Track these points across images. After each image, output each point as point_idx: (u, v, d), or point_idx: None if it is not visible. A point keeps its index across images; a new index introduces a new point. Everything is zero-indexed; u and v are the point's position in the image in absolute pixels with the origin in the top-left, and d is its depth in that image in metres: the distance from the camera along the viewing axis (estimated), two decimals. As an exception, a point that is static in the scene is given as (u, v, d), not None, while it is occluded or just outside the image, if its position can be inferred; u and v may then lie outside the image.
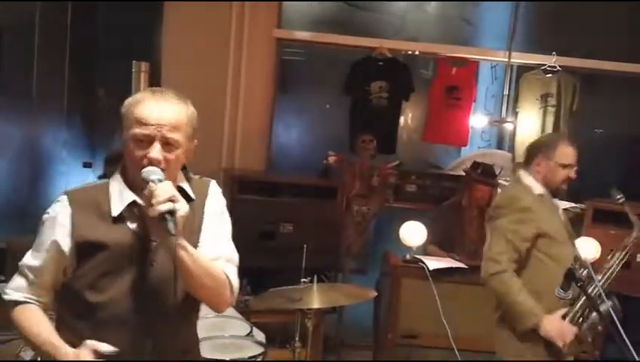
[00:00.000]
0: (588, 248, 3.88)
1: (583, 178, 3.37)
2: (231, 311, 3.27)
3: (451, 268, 3.71)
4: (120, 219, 1.61)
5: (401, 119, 4.81)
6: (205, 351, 2.33)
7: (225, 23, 4.44)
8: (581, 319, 2.57)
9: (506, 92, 4.61)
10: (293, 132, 5.36)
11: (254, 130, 4.56)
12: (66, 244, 1.60)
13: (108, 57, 4.63)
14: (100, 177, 1.96)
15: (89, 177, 4.10)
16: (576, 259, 2.66)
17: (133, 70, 3.41)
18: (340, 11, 5.17)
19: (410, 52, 4.75)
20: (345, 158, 4.47)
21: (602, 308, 2.33)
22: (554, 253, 2.63)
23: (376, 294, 3.02)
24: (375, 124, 4.56)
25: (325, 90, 5.10)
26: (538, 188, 2.70)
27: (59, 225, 1.61)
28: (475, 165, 4.05)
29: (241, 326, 3.00)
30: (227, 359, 2.58)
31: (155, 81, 3.60)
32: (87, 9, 4.59)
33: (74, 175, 4.48)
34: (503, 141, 5.31)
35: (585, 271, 2.45)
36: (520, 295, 2.58)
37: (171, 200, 1.49)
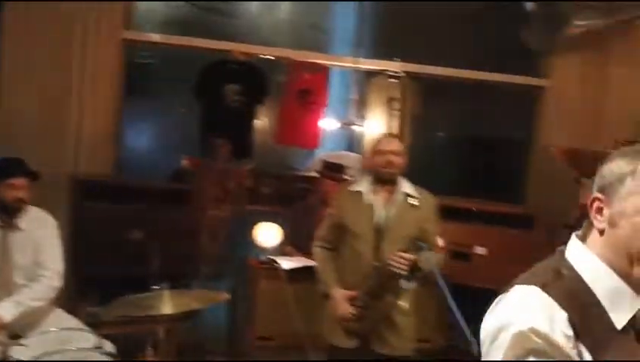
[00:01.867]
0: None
1: (427, 177, 3.62)
2: (74, 322, 3.09)
3: (306, 266, 3.77)
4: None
5: (257, 122, 4.83)
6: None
7: (69, 25, 4.22)
8: (368, 301, 2.92)
9: (354, 96, 4.80)
10: (145, 136, 5.18)
11: (101, 134, 4.34)
12: None
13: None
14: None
15: None
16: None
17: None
18: (193, 14, 5.09)
19: (264, 56, 4.79)
20: (199, 162, 4.39)
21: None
22: (354, 243, 2.99)
23: (228, 296, 3.04)
24: (230, 128, 4.54)
25: (180, 93, 4.99)
26: (357, 185, 3.09)
27: None
28: (325, 163, 4.19)
29: (88, 339, 2.85)
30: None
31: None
32: None
33: None
34: (353, 143, 5.53)
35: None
36: (320, 265, 3.12)
37: None
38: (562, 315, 1.07)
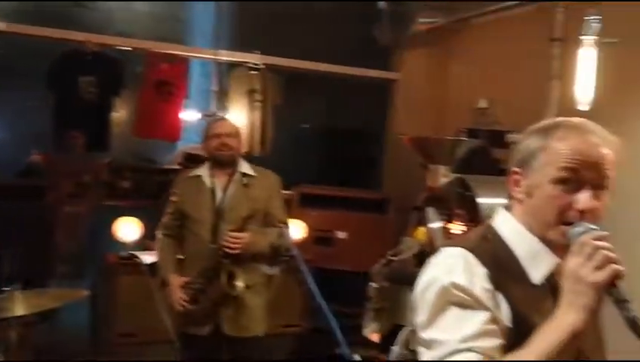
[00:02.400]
0: (296, 229, 4.28)
1: (291, 166, 3.74)
2: None
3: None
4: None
5: (114, 115, 4.68)
6: None
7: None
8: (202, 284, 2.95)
9: (215, 88, 4.80)
10: (-5, 130, 4.81)
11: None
12: None
13: None
14: None
15: None
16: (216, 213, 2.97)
17: None
18: (48, 4, 4.79)
19: (120, 47, 4.65)
20: (51, 157, 4.18)
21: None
22: (194, 227, 3.01)
23: (86, 293, 2.93)
24: (84, 120, 4.37)
25: (29, 85, 4.68)
26: (196, 170, 3.11)
27: None
28: (186, 155, 4.17)
29: None
30: None
31: None
32: None
33: None
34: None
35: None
36: (159, 252, 3.13)
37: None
38: (482, 271, 1.19)
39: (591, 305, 1.07)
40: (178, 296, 2.95)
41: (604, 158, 1.23)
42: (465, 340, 1.12)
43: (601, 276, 1.06)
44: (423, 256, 2.93)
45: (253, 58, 4.82)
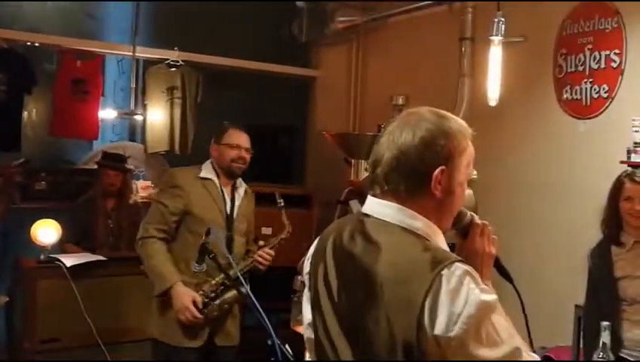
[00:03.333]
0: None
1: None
2: None
3: (90, 262, 3.65)
4: None
5: (25, 114, 4.49)
6: None
7: None
8: (215, 294, 2.80)
9: (133, 85, 4.69)
10: None
11: None
12: None
13: None
14: None
15: None
16: (208, 232, 2.91)
17: None
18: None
19: (29, 43, 4.45)
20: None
21: (242, 289, 2.52)
22: (199, 230, 2.76)
23: (5, 299, 2.81)
24: (-7, 119, 4.17)
25: None
26: (205, 172, 2.93)
27: None
28: (104, 154, 4.08)
29: None
30: None
31: None
32: None
33: None
34: (135, 133, 5.41)
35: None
36: (156, 259, 2.78)
37: None
38: None
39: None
40: (190, 306, 2.70)
41: None
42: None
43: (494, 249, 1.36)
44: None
45: (172, 55, 4.77)
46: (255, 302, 2.32)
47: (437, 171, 1.21)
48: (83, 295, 3.50)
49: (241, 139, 2.97)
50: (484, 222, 1.37)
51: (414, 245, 1.19)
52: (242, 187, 3.06)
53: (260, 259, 2.92)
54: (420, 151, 1.22)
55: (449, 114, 1.31)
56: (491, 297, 1.15)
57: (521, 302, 1.43)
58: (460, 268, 1.14)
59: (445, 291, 1.11)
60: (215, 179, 2.94)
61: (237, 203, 2.98)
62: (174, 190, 2.87)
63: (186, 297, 2.71)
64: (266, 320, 2.24)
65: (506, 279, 1.44)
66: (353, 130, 4.91)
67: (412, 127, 1.24)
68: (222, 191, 2.93)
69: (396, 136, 1.24)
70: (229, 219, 2.93)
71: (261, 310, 2.20)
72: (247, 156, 2.97)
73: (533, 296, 4.05)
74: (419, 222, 1.23)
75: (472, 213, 1.36)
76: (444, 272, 1.12)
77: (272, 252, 2.98)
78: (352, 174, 3.96)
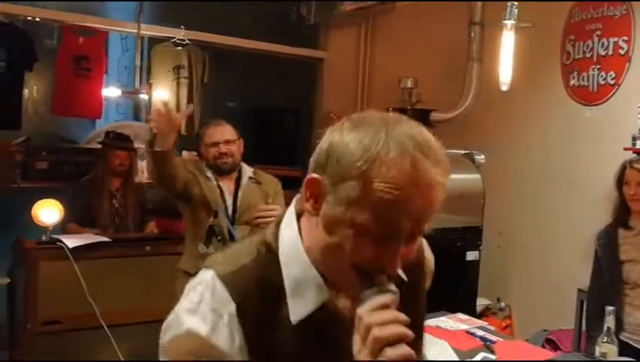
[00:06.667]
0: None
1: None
2: None
3: (93, 243, 3.57)
4: None
5: (25, 91, 4.38)
6: None
7: None
8: None
9: (137, 63, 4.59)
10: None
11: None
12: None
13: None
14: None
15: None
16: (215, 215, 2.88)
17: None
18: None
19: (30, 18, 4.34)
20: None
21: None
22: (199, 217, 2.88)
23: (6, 281, 2.74)
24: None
25: None
26: (205, 169, 2.95)
27: None
28: (110, 134, 3.99)
29: None
30: None
31: None
32: None
33: None
34: (139, 112, 5.31)
35: None
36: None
37: None
38: (232, 308, 0.91)
39: None
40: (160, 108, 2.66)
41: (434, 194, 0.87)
42: None
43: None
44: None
45: (178, 33, 4.66)
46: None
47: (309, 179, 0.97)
48: (86, 276, 3.43)
49: (216, 134, 2.93)
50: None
51: None
52: (246, 176, 3.00)
53: (261, 216, 2.84)
54: None
55: None
56: None
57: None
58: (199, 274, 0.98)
59: None
60: (211, 175, 2.93)
61: (240, 194, 2.94)
62: (186, 166, 2.93)
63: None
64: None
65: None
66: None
67: None
68: (219, 187, 2.91)
69: None
70: (234, 212, 2.90)
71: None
72: (230, 148, 2.92)
73: (537, 279, 4.06)
74: (286, 238, 1.02)
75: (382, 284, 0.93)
76: None
77: (271, 206, 2.89)
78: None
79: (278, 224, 1.00)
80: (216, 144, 2.90)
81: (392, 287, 0.88)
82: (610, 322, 2.18)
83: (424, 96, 4.51)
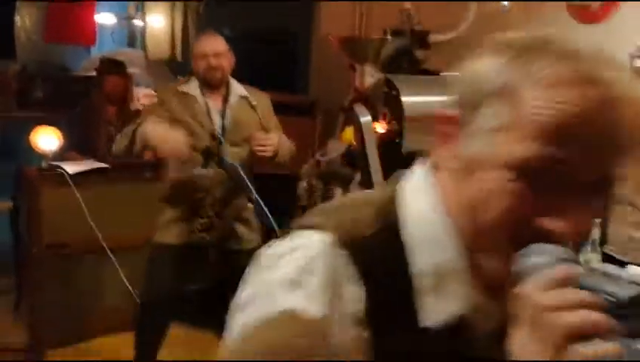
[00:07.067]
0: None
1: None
2: None
3: (93, 169, 3.62)
4: None
5: (17, 19, 4.32)
6: None
7: None
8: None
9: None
10: None
11: None
12: None
13: None
14: None
15: None
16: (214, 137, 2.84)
17: None
18: None
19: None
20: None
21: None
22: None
23: (8, 205, 2.80)
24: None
25: None
26: (185, 87, 2.83)
27: None
28: (104, 60, 3.96)
29: None
30: None
31: None
32: None
33: None
34: (134, 41, 5.24)
35: None
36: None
37: None
38: (355, 292, 0.65)
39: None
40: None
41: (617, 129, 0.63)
42: None
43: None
44: (349, 156, 2.97)
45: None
46: (262, 204, 2.34)
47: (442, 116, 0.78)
48: (87, 201, 3.50)
49: (207, 45, 2.80)
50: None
51: None
52: (236, 94, 2.90)
53: (257, 146, 2.79)
54: None
55: None
56: None
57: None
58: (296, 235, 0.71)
59: None
60: (196, 92, 2.82)
61: (229, 113, 2.85)
62: (159, 108, 2.81)
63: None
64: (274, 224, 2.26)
65: None
66: (359, 34, 4.73)
67: None
68: (206, 105, 2.81)
69: None
70: (218, 135, 2.81)
71: (269, 214, 2.22)
72: (221, 62, 2.80)
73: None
74: (412, 207, 0.76)
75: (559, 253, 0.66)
76: None
77: (269, 136, 2.83)
78: (356, 80, 3.84)
79: (392, 184, 0.72)
80: (205, 56, 2.78)
81: (574, 257, 0.63)
82: (595, 234, 2.29)
83: (424, 18, 4.39)
